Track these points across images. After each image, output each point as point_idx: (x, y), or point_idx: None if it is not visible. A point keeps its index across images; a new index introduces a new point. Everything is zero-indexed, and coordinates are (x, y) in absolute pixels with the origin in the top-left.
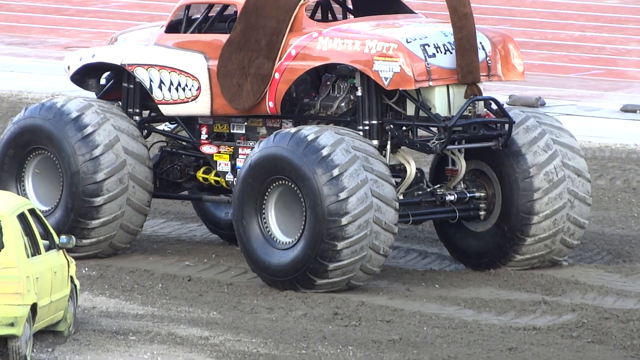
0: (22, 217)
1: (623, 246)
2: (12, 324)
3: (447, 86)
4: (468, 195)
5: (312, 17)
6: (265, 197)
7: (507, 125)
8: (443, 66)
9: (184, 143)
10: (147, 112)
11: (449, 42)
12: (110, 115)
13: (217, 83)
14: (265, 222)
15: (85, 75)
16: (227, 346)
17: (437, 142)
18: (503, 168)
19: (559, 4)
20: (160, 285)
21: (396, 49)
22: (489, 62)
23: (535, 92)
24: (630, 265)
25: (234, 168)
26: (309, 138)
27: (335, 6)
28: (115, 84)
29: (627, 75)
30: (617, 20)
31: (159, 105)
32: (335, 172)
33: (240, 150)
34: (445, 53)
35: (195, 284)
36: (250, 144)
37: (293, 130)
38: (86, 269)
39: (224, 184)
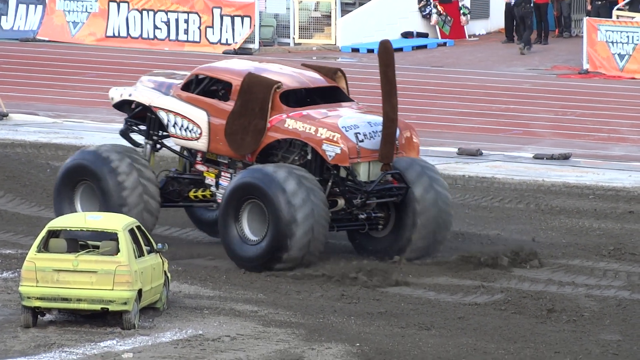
0: (131, 231)
1: (534, 248)
2: (125, 303)
3: (369, 162)
4: (373, 215)
5: (283, 99)
6: (241, 210)
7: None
8: (368, 148)
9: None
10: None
11: (372, 131)
12: (138, 165)
13: (214, 132)
14: (240, 226)
15: (122, 104)
16: (269, 317)
17: (359, 200)
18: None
19: (489, 85)
20: (224, 276)
21: (339, 137)
22: (398, 145)
23: (475, 146)
24: (539, 260)
25: (217, 184)
26: (271, 171)
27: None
28: (141, 111)
29: (537, 134)
30: (529, 97)
31: (172, 137)
32: (287, 192)
33: (222, 173)
34: (370, 139)
35: (248, 275)
36: (230, 170)
37: (261, 166)
38: (174, 265)
39: (208, 196)
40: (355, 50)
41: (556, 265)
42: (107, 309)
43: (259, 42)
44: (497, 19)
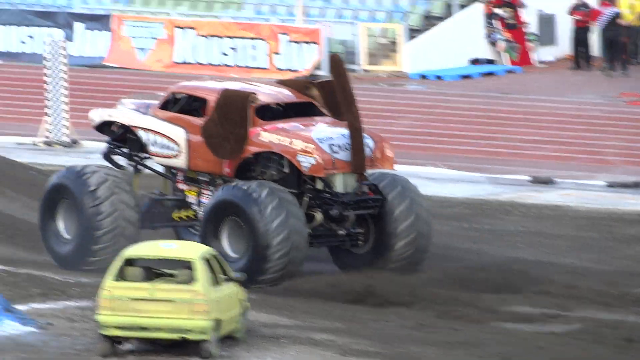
0: (207, 261)
1: (609, 277)
2: (203, 332)
3: (344, 173)
4: (353, 231)
5: (259, 113)
6: (220, 228)
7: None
8: (342, 159)
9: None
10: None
11: (346, 143)
12: (118, 190)
13: (193, 149)
14: (219, 244)
15: (103, 126)
16: (347, 346)
17: (336, 211)
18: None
19: (559, 112)
20: (301, 305)
21: (313, 148)
22: (372, 158)
23: (547, 174)
24: (616, 289)
25: (199, 202)
26: (248, 188)
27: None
28: (122, 134)
29: (608, 162)
30: (599, 124)
31: (151, 156)
32: (265, 210)
33: (203, 191)
34: (344, 150)
35: (325, 304)
36: (210, 187)
37: (241, 183)
38: (251, 294)
39: (192, 216)
40: (423, 76)
41: (633, 295)
42: (186, 338)
43: (328, 69)
44: (564, 46)
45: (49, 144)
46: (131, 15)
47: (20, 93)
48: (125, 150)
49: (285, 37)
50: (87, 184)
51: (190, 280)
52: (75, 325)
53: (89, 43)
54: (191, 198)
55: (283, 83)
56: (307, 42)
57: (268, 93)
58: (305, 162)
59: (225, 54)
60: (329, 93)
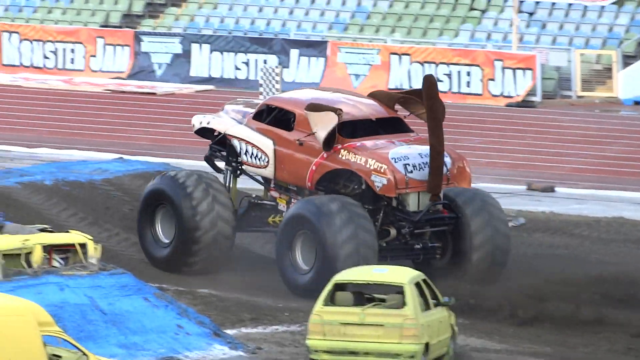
0: (417, 285)
1: None
2: (412, 357)
3: (419, 192)
4: (430, 245)
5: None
6: (294, 240)
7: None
8: (417, 178)
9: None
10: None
11: (422, 162)
12: (213, 191)
13: (280, 161)
14: (293, 256)
15: (205, 131)
16: None
17: (407, 229)
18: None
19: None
20: (511, 329)
21: (386, 169)
22: (449, 175)
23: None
24: None
25: (288, 210)
26: (321, 203)
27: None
28: (222, 138)
29: None
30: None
31: (243, 164)
32: (334, 224)
33: (292, 200)
34: (419, 170)
35: (535, 329)
36: (299, 197)
37: (314, 198)
38: (460, 318)
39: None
40: (636, 103)
41: None
42: None
43: (541, 95)
44: None
45: None
46: (346, 42)
47: None
48: (224, 154)
49: (500, 63)
50: (183, 187)
51: (400, 304)
52: (284, 349)
53: (304, 69)
54: (282, 206)
55: (373, 96)
56: (521, 69)
57: (355, 108)
58: (378, 182)
59: (440, 80)
60: (414, 107)
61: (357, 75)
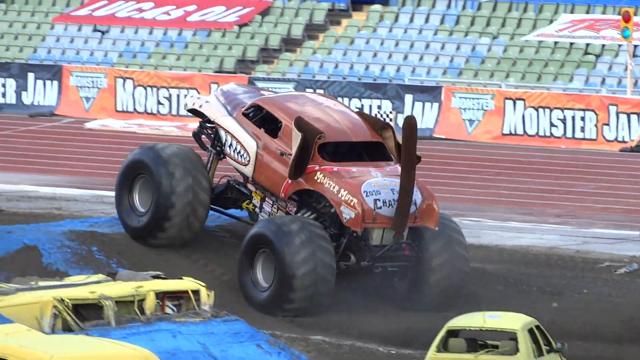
0: (530, 331)
1: None
2: None
3: (384, 228)
4: (388, 268)
5: (321, 150)
6: (255, 258)
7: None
8: (385, 215)
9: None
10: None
11: (393, 199)
12: (195, 172)
13: (259, 164)
14: (254, 273)
15: (195, 110)
16: None
17: (366, 262)
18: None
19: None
20: None
21: (356, 203)
22: (416, 214)
23: None
24: None
25: (260, 207)
26: (282, 223)
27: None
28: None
29: None
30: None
31: (226, 154)
32: (293, 243)
33: (266, 199)
34: (388, 207)
35: None
36: (273, 198)
37: (277, 218)
38: None
39: (252, 211)
40: None
41: None
42: None
43: None
44: None
45: None
46: (461, 87)
47: None
48: (212, 135)
49: (614, 108)
50: (162, 159)
51: (514, 351)
52: None
53: (417, 114)
54: (255, 200)
55: (361, 115)
56: (636, 114)
57: (338, 128)
58: (346, 214)
59: (554, 125)
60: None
61: (471, 121)
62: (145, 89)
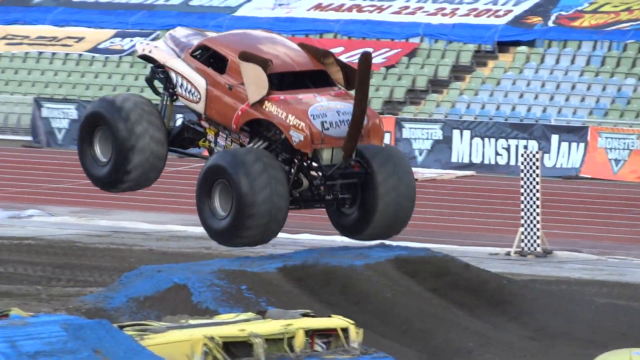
0: None
1: None
2: None
3: (332, 148)
4: (340, 196)
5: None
6: (213, 189)
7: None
8: (332, 135)
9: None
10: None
11: (339, 120)
12: (147, 116)
13: (210, 100)
14: (212, 203)
15: (146, 56)
16: None
17: (319, 181)
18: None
19: None
20: None
21: (304, 126)
22: (363, 133)
23: None
24: None
25: (215, 141)
26: (238, 154)
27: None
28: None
29: None
30: None
31: (177, 95)
32: (249, 173)
33: (220, 133)
34: (336, 127)
35: None
36: (226, 131)
37: (232, 149)
38: None
39: (207, 147)
40: None
41: None
42: None
43: None
44: None
45: (522, 254)
46: (607, 127)
47: (495, 204)
48: (163, 78)
49: None
50: (119, 110)
51: None
52: None
53: (564, 155)
54: (210, 136)
55: (303, 47)
56: None
57: (282, 58)
58: (296, 138)
59: None
60: (344, 70)
61: (617, 160)
62: None
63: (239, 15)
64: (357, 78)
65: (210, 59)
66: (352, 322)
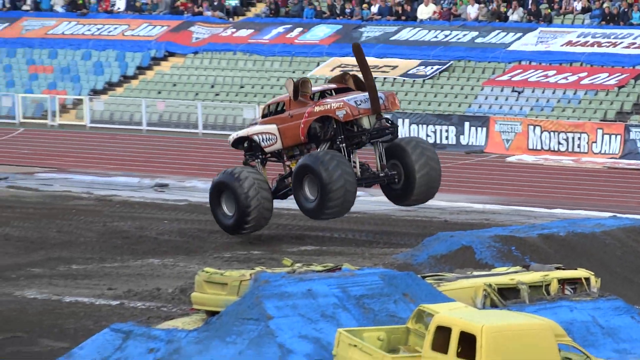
0: None
1: None
2: None
3: (368, 116)
4: (389, 173)
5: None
6: (303, 181)
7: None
8: (364, 107)
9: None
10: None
11: (365, 98)
12: (258, 182)
13: (282, 133)
14: (303, 191)
15: (236, 144)
16: None
17: (365, 138)
18: (403, 161)
19: None
20: None
21: (342, 104)
22: (385, 104)
23: None
24: None
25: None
26: (315, 154)
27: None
28: (248, 144)
29: None
30: None
31: (264, 148)
32: (328, 168)
33: (295, 158)
34: (365, 102)
35: None
36: (301, 156)
37: (314, 152)
38: None
39: None
40: None
41: None
42: None
43: None
44: None
45: None
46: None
47: None
48: (252, 153)
49: None
50: (237, 179)
51: None
52: None
53: None
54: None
55: (330, 80)
56: None
57: (322, 85)
58: (340, 113)
59: None
60: (355, 82)
61: (507, 140)
62: (549, 133)
63: (510, 50)
64: (357, 62)
65: (273, 111)
66: (592, 273)
